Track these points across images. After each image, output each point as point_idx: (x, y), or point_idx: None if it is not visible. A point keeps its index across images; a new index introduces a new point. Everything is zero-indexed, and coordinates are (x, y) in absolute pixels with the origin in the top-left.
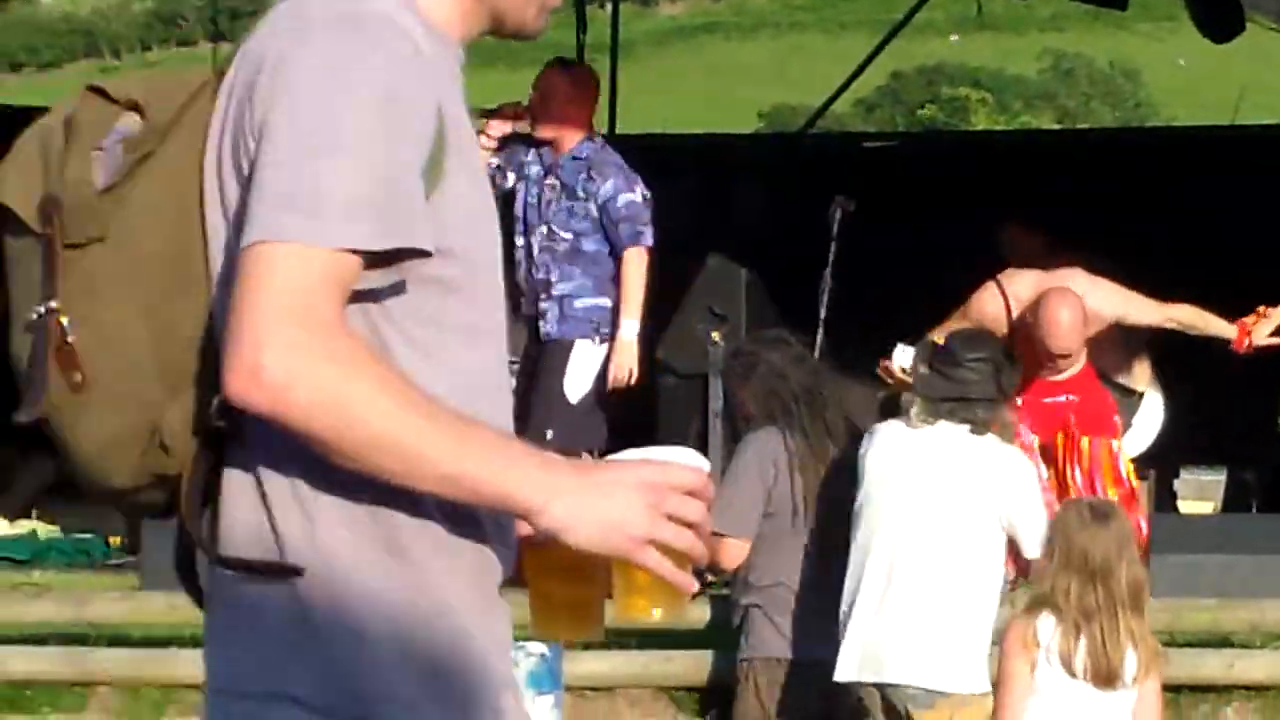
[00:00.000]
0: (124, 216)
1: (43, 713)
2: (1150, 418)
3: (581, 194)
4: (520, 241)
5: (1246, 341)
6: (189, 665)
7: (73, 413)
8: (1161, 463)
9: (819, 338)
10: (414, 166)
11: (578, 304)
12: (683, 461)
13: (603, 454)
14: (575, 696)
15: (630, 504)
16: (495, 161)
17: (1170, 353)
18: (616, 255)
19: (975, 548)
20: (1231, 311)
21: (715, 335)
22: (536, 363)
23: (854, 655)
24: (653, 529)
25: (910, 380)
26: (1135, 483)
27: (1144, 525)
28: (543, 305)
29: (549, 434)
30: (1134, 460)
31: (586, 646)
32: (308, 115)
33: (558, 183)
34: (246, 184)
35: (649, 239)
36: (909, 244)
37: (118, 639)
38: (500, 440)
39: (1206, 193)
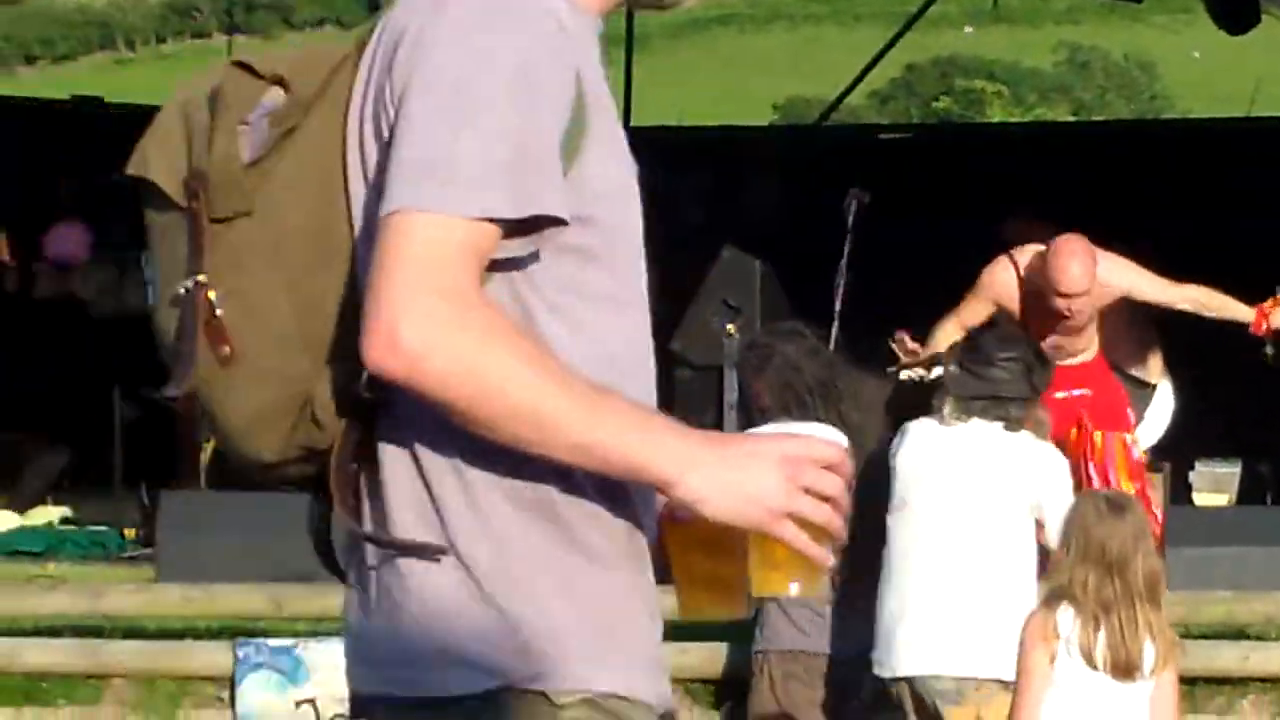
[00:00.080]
0: (269, 191)
1: (58, 704)
2: (1162, 410)
3: None
4: None
5: (1265, 325)
6: (204, 657)
7: (221, 386)
8: (1176, 455)
9: (834, 330)
10: (552, 136)
11: None
12: (821, 436)
13: None
14: None
15: (768, 476)
16: None
17: (1185, 345)
18: None
19: (1011, 542)
20: (1247, 304)
21: (730, 327)
22: None
23: (893, 650)
24: (790, 502)
25: (923, 354)
26: (1149, 475)
27: (1159, 516)
28: None
29: None
30: (1148, 452)
31: None
32: (446, 85)
33: None
34: (387, 154)
35: None
36: (924, 236)
37: (133, 631)
38: (636, 410)
39: (1222, 185)
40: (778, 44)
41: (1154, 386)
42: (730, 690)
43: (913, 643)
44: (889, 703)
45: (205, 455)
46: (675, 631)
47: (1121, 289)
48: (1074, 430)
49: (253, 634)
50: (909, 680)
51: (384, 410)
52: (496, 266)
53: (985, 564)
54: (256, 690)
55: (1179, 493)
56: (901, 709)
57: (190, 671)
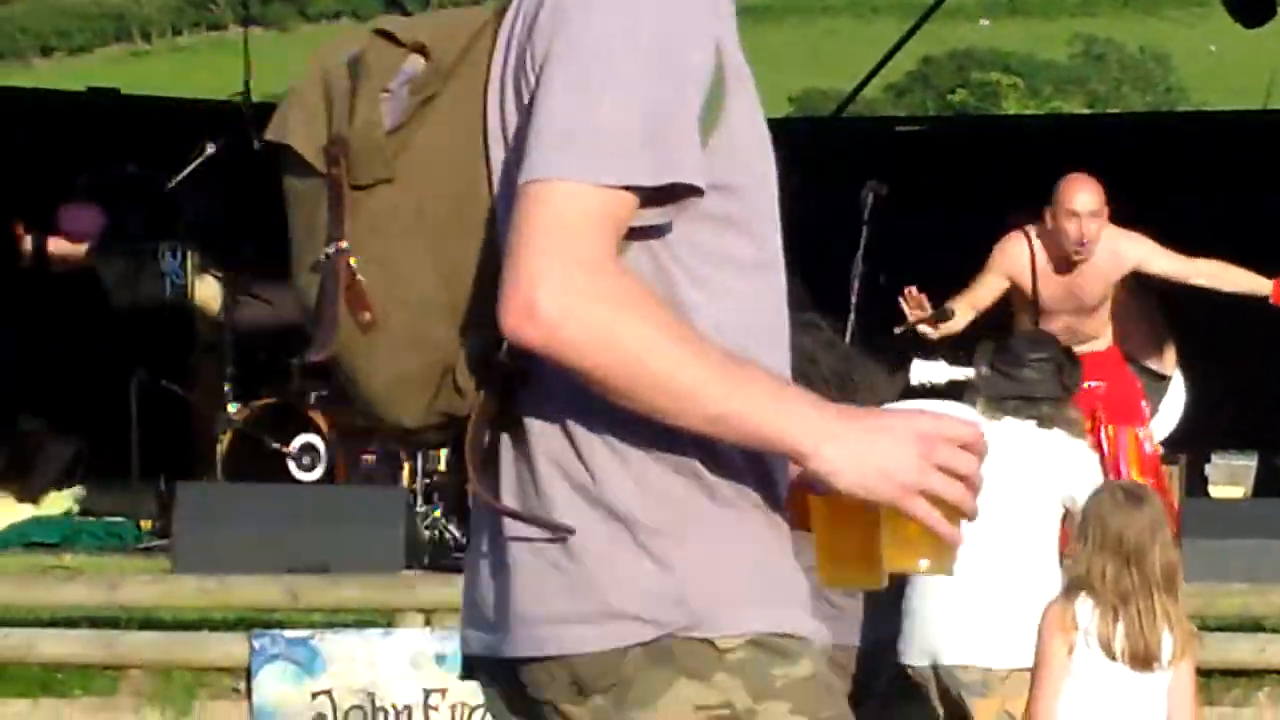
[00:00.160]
0: (409, 158)
1: (74, 695)
2: (1175, 402)
3: None
4: None
5: None
6: (220, 648)
7: (363, 352)
8: (1192, 448)
9: (850, 322)
10: (691, 104)
11: None
12: (957, 414)
13: None
14: None
15: (902, 452)
16: None
17: (1202, 337)
18: None
19: (1040, 536)
20: (1264, 300)
21: None
22: None
23: (921, 638)
24: (923, 478)
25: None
26: (1163, 468)
27: (1174, 508)
28: None
29: None
30: (1163, 444)
31: None
32: (586, 53)
33: None
34: (527, 120)
35: None
36: (941, 228)
37: (149, 622)
38: (773, 380)
39: (1238, 177)
40: (794, 36)
41: (1168, 379)
42: None
43: (941, 631)
44: (913, 693)
45: (222, 447)
46: None
47: (1134, 260)
48: (1088, 424)
49: (269, 625)
50: (935, 668)
51: (531, 380)
52: (636, 234)
53: (1014, 556)
54: (272, 681)
55: (1195, 485)
56: (926, 698)
57: (206, 662)
